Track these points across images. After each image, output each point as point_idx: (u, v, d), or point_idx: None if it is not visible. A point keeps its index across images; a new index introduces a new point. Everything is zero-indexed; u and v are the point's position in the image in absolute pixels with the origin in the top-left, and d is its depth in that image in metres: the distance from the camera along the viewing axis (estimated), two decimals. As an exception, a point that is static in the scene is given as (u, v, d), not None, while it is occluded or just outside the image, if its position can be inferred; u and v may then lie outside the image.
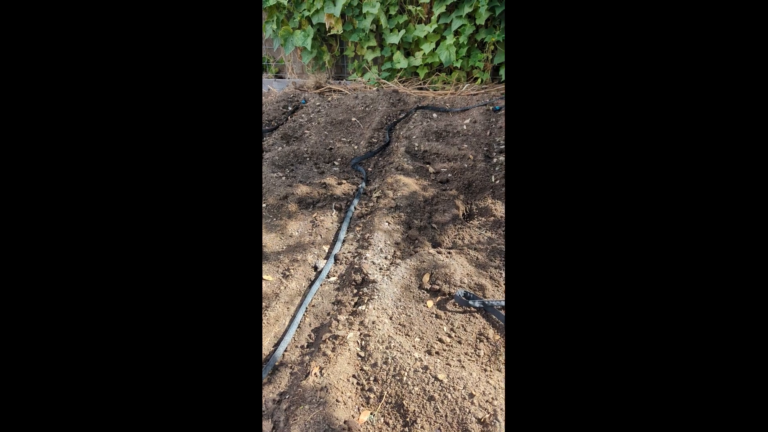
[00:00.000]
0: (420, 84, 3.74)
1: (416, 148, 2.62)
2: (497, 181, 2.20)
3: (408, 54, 3.80)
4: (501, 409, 1.07)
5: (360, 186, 2.25)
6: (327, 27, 3.80)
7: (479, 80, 3.59)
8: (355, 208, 2.08)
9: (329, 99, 3.53)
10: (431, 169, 2.39)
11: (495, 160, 2.43)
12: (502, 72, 3.50)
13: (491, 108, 3.10)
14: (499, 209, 1.96)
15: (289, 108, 3.47)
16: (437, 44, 3.61)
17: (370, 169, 2.53)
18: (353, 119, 3.16)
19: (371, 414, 1.11)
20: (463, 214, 2.05)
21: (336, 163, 2.60)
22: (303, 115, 3.29)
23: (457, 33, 3.52)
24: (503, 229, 1.82)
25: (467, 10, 3.36)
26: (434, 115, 3.11)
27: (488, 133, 2.78)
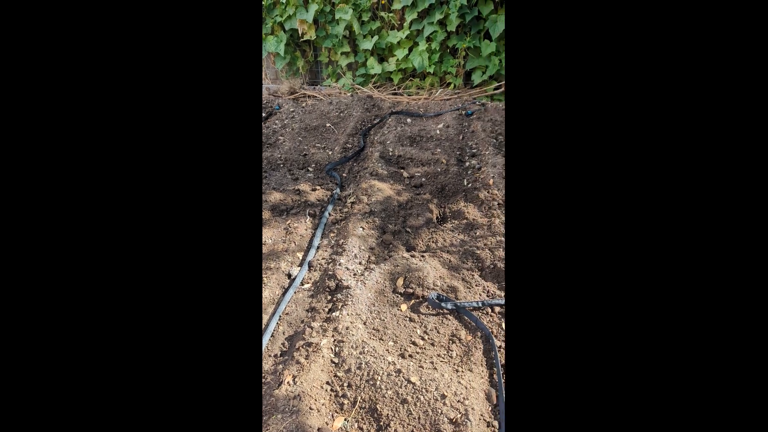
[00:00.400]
0: (394, 89, 3.77)
1: (391, 153, 2.64)
2: (469, 185, 2.24)
3: (382, 60, 3.84)
4: (472, 409, 1.09)
5: (334, 192, 2.25)
6: (300, 33, 3.80)
7: (452, 85, 3.66)
8: (329, 214, 2.07)
9: (303, 105, 3.52)
10: (405, 174, 2.42)
11: (467, 163, 2.48)
12: (474, 77, 3.58)
13: (464, 113, 3.16)
14: (472, 212, 2.00)
15: (263, 114, 3.44)
16: (410, 50, 3.66)
17: (344, 174, 2.53)
18: (328, 125, 3.16)
19: (345, 420, 1.11)
20: (437, 218, 2.08)
21: (310, 169, 2.60)
22: (277, 122, 3.27)
23: (429, 39, 3.58)
24: (475, 231, 1.86)
25: (438, 16, 3.43)
26: (408, 120, 3.15)
27: (461, 137, 2.83)
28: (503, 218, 1.89)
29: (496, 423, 1.08)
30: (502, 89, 3.46)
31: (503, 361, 1.25)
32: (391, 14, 3.60)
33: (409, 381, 1.16)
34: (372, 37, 3.70)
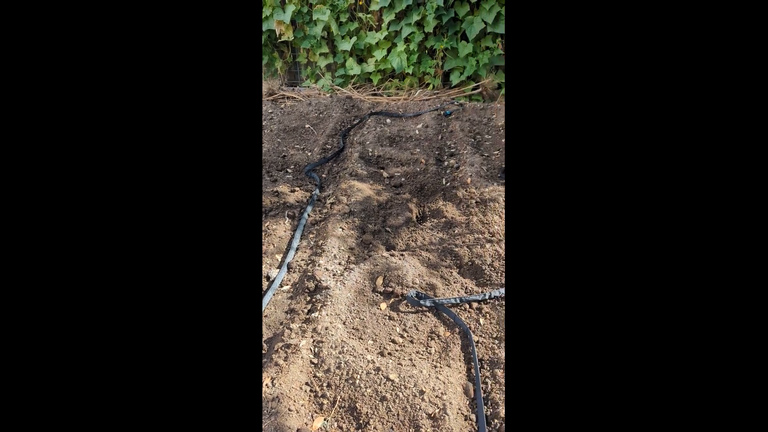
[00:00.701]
0: (374, 90, 3.79)
1: (370, 154, 2.65)
2: (448, 184, 2.27)
3: (361, 60, 3.84)
4: (450, 403, 1.10)
5: (314, 193, 2.24)
6: (278, 33, 3.77)
7: (431, 86, 3.69)
8: (308, 215, 2.07)
9: (282, 106, 3.50)
10: (385, 174, 2.43)
11: (446, 163, 2.51)
12: (453, 78, 3.62)
13: (442, 113, 3.19)
14: (450, 210, 2.02)
15: (241, 116, 3.40)
16: (389, 51, 3.68)
17: (324, 175, 2.53)
18: (307, 126, 3.15)
19: (325, 420, 1.11)
20: (417, 217, 2.09)
21: (289, 170, 2.58)
22: (255, 123, 3.24)
23: (407, 40, 3.60)
24: (454, 229, 1.88)
25: (416, 18, 3.46)
26: (388, 120, 3.16)
27: (440, 137, 2.86)
28: (481, 216, 1.92)
29: (473, 416, 1.10)
30: (480, 89, 3.52)
31: (480, 356, 1.27)
32: (368, 15, 3.61)
33: (388, 378, 1.17)
34: (350, 38, 3.70)
